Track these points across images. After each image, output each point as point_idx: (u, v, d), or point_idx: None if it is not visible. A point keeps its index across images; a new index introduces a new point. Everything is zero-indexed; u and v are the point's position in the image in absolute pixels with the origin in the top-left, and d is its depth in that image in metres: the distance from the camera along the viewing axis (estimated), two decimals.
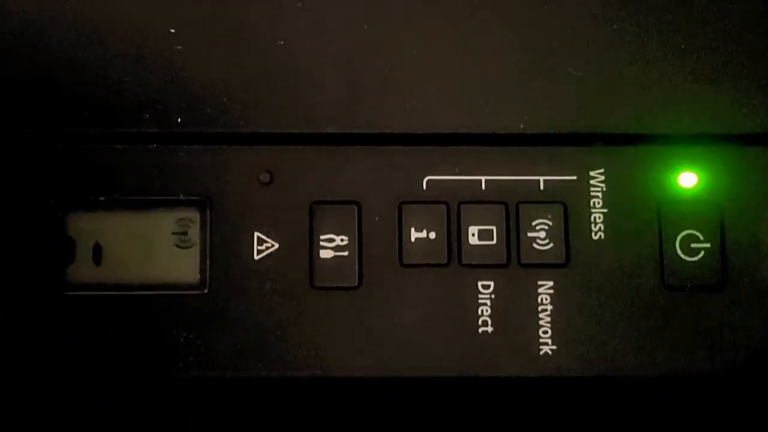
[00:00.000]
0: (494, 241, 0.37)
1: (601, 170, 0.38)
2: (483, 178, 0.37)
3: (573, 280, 0.37)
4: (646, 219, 0.37)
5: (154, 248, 0.37)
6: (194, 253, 0.37)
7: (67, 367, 0.36)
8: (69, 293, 0.37)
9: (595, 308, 0.37)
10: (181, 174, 0.37)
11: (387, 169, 0.37)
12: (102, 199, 0.37)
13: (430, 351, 0.36)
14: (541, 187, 0.37)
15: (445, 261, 0.37)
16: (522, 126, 0.37)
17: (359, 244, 0.37)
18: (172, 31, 0.37)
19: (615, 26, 0.38)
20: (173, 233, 0.37)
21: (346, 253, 0.37)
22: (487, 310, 0.37)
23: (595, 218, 0.37)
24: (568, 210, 0.37)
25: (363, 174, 0.37)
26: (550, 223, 0.37)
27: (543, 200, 0.37)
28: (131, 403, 0.37)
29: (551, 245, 0.37)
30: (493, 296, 0.37)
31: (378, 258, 0.37)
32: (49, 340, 0.36)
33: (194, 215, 0.37)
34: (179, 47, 0.37)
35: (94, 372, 0.36)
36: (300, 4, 0.38)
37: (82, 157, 0.37)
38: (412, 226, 0.37)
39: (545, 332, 0.37)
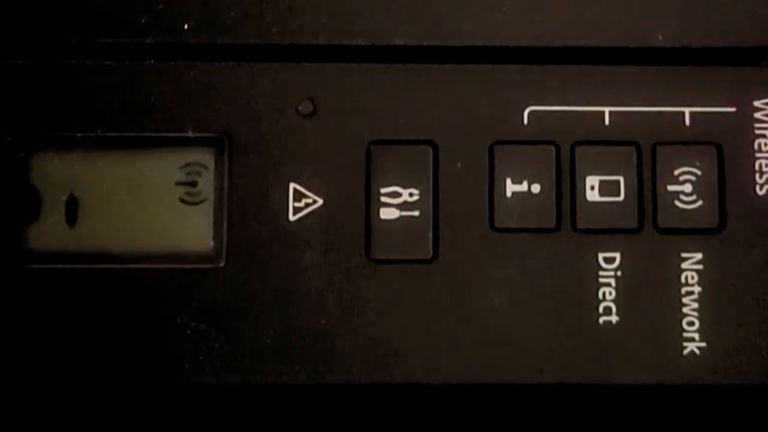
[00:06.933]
0: (621, 197, 0.34)
1: None
2: (606, 110, 0.34)
3: (729, 251, 0.34)
4: None
5: (151, 204, 0.34)
6: (206, 211, 0.34)
7: (30, 368, 0.33)
8: (32, 266, 0.34)
9: (759, 290, 0.34)
10: (190, 102, 0.34)
11: (473, 97, 0.34)
12: (79, 136, 0.34)
13: (532, 349, 0.33)
14: (687, 123, 0.34)
15: (554, 224, 0.34)
16: (660, 38, 0.34)
17: (434, 200, 0.34)
18: None
19: None
20: (178, 183, 0.34)
21: (416, 213, 0.34)
22: (610, 293, 0.33)
23: (760, 166, 0.34)
24: (724, 154, 0.34)
25: (440, 103, 0.34)
26: (699, 173, 0.34)
27: (689, 140, 0.34)
28: (120, 417, 0.34)
29: (700, 203, 0.34)
30: (618, 273, 0.34)
31: (460, 220, 0.34)
32: (6, 329, 0.33)
33: (207, 159, 0.34)
34: None
35: (66, 376, 0.33)
36: None
37: (52, 77, 0.34)
38: (508, 176, 0.34)
39: (690, 324, 0.33)
